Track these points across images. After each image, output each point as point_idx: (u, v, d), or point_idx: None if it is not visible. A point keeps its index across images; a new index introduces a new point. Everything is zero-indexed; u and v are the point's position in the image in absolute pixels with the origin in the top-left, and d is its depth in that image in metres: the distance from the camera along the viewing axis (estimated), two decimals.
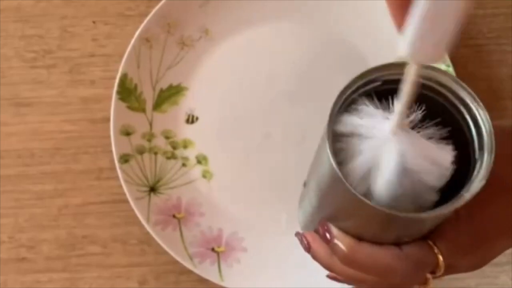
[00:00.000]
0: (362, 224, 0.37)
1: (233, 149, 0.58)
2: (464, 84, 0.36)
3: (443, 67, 0.56)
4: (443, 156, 0.35)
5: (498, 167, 0.35)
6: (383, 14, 0.62)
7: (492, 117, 0.36)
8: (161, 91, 0.59)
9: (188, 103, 0.59)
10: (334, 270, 0.41)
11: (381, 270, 0.38)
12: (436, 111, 0.37)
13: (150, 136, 0.58)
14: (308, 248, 0.42)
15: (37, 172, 0.58)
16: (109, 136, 0.56)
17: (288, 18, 0.61)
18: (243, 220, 0.56)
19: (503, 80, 0.61)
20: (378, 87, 0.38)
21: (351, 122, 0.36)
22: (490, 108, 0.36)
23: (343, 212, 0.38)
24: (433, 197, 0.35)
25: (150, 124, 0.58)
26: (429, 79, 0.37)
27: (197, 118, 0.59)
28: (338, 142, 0.36)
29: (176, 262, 0.53)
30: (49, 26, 0.62)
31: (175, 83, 0.59)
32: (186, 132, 0.58)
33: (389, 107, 0.36)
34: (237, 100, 0.59)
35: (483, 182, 0.34)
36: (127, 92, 0.57)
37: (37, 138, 0.59)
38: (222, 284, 0.53)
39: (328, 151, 0.35)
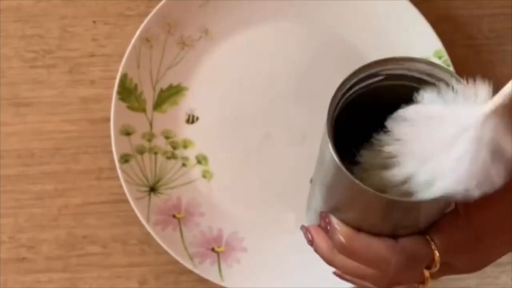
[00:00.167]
0: (361, 214, 0.38)
1: (233, 149, 0.58)
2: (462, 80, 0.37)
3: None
4: None
5: None
6: (383, 14, 0.62)
7: None
8: (161, 91, 0.59)
9: (188, 103, 0.59)
10: (334, 264, 0.42)
11: (376, 260, 0.38)
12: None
13: (150, 136, 0.58)
14: (311, 241, 0.43)
15: (37, 172, 0.58)
16: (109, 136, 0.56)
17: (288, 18, 0.61)
18: (243, 220, 0.56)
19: (503, 80, 0.61)
20: (379, 82, 0.38)
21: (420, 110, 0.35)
22: None
23: (343, 202, 0.39)
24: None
25: (150, 124, 0.58)
26: (430, 75, 0.37)
27: (197, 118, 0.59)
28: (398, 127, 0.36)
29: (176, 262, 0.53)
30: (49, 26, 0.62)
31: (175, 83, 0.59)
32: (186, 132, 0.58)
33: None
34: (237, 100, 0.59)
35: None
36: (127, 92, 0.57)
37: (37, 138, 0.59)
38: (222, 284, 0.53)
39: (330, 145, 0.35)
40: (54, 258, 0.56)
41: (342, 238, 0.39)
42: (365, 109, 0.38)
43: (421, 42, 0.58)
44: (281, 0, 0.61)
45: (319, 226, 0.42)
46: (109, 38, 0.62)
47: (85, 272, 0.56)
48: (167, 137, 0.58)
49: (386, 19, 0.60)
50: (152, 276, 0.56)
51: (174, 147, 0.58)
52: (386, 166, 0.37)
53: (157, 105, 0.59)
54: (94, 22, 0.62)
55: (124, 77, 0.57)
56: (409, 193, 0.36)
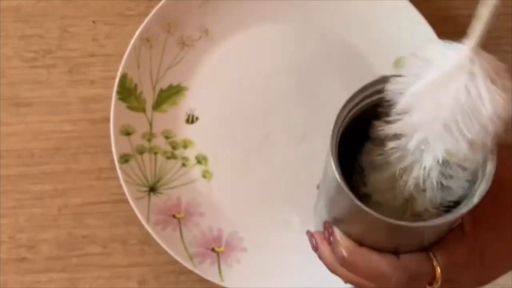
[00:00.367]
0: (364, 230, 0.38)
1: (233, 149, 0.58)
2: None
3: None
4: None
5: (509, 189, 0.35)
6: (383, 14, 0.62)
7: None
8: (161, 91, 0.59)
9: (188, 103, 0.59)
10: (337, 272, 0.42)
11: (376, 276, 0.38)
12: None
13: (150, 136, 0.58)
14: (315, 248, 0.43)
15: (37, 172, 0.58)
16: (109, 136, 0.56)
17: (288, 18, 0.61)
18: (243, 220, 0.56)
19: None
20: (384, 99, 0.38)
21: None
22: None
23: (346, 218, 0.39)
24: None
25: (150, 124, 0.58)
26: None
27: (197, 118, 0.59)
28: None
29: (176, 262, 0.53)
30: (49, 26, 0.62)
31: (175, 83, 0.59)
32: (186, 132, 0.58)
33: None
34: (237, 100, 0.59)
35: (483, 191, 0.34)
36: (127, 92, 0.57)
37: (37, 138, 0.59)
38: (222, 284, 0.53)
39: (333, 165, 0.35)
40: (54, 258, 0.56)
41: (344, 252, 0.39)
42: (369, 120, 0.38)
43: (421, 42, 0.58)
44: (281, 0, 0.61)
45: (323, 235, 0.42)
46: (109, 38, 0.62)
47: (85, 272, 0.56)
48: (167, 137, 0.58)
49: (386, 19, 0.60)
50: (152, 276, 0.56)
51: (174, 147, 0.58)
52: (389, 164, 0.37)
53: (157, 105, 0.58)
54: (94, 22, 0.62)
55: (124, 77, 0.57)
56: (414, 196, 0.36)
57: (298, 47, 0.61)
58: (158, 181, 0.56)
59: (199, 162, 0.58)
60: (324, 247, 0.42)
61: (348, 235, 0.39)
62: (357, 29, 0.61)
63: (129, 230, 0.57)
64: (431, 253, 0.38)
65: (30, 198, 0.57)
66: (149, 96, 0.58)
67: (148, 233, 0.54)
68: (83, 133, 0.59)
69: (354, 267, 0.39)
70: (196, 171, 0.58)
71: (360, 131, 0.38)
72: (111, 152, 0.55)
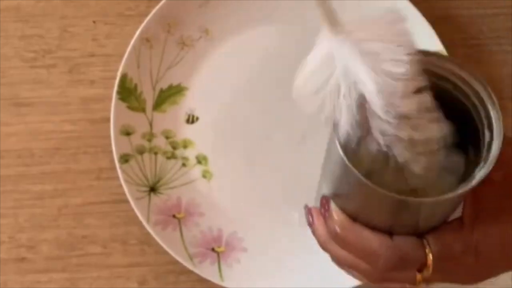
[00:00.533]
0: (360, 205, 0.39)
1: (233, 149, 0.58)
2: (471, 70, 0.37)
3: None
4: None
5: None
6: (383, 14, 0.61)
7: None
8: (161, 91, 0.59)
9: (188, 103, 0.59)
10: (328, 249, 0.42)
11: (366, 253, 0.38)
12: (444, 97, 0.37)
13: (150, 136, 0.58)
14: (311, 223, 0.43)
15: (37, 172, 0.58)
16: (109, 136, 0.56)
17: (288, 18, 0.61)
18: (243, 220, 0.56)
19: (504, 80, 0.61)
20: None
21: None
22: None
23: (344, 192, 0.39)
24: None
25: (150, 124, 0.58)
26: (437, 67, 0.38)
27: (197, 118, 0.59)
28: None
29: (176, 262, 0.53)
30: (49, 26, 0.62)
31: (175, 83, 0.59)
32: (186, 132, 0.58)
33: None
34: (237, 100, 0.59)
35: (482, 175, 0.34)
36: (127, 92, 0.57)
37: (37, 138, 0.59)
38: (222, 284, 0.53)
39: (336, 143, 0.35)
40: (54, 258, 0.56)
41: (337, 228, 0.39)
42: None
43: (421, 42, 0.58)
44: (281, 0, 0.61)
45: (320, 211, 0.42)
46: (109, 38, 0.62)
47: (85, 272, 0.56)
48: (167, 137, 0.58)
49: None
50: (152, 276, 0.56)
51: (174, 147, 0.58)
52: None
53: (157, 105, 0.59)
54: (94, 22, 0.62)
55: (124, 77, 0.57)
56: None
57: (298, 47, 0.61)
58: (158, 181, 0.56)
59: (199, 162, 0.58)
60: (319, 223, 0.42)
61: (344, 209, 0.39)
62: None
63: (129, 230, 0.57)
64: (424, 240, 0.38)
65: (30, 198, 0.57)
66: (149, 96, 0.58)
67: (148, 233, 0.54)
68: (83, 133, 0.59)
69: (346, 242, 0.39)
70: (196, 171, 0.58)
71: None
72: (111, 152, 0.55)
